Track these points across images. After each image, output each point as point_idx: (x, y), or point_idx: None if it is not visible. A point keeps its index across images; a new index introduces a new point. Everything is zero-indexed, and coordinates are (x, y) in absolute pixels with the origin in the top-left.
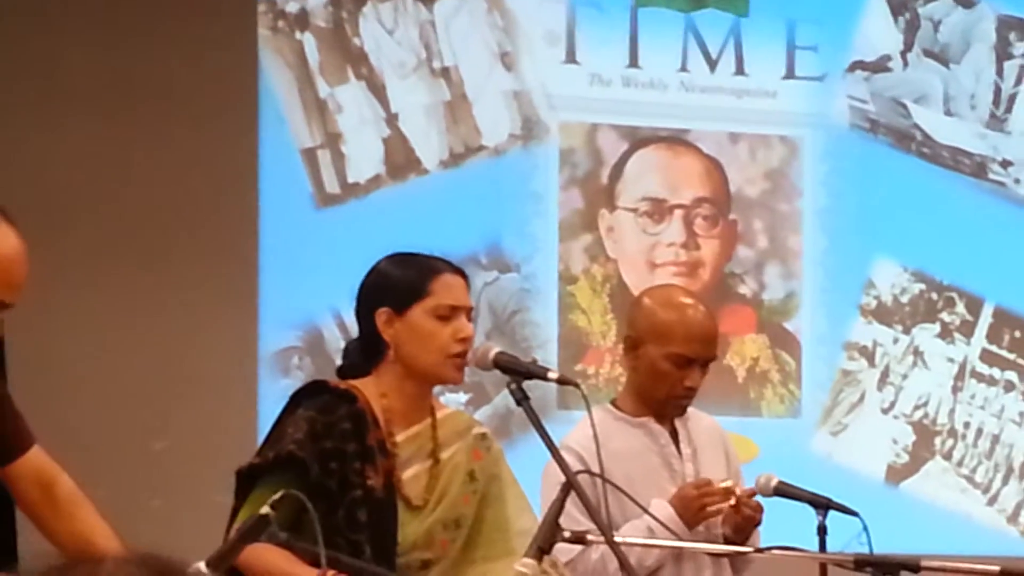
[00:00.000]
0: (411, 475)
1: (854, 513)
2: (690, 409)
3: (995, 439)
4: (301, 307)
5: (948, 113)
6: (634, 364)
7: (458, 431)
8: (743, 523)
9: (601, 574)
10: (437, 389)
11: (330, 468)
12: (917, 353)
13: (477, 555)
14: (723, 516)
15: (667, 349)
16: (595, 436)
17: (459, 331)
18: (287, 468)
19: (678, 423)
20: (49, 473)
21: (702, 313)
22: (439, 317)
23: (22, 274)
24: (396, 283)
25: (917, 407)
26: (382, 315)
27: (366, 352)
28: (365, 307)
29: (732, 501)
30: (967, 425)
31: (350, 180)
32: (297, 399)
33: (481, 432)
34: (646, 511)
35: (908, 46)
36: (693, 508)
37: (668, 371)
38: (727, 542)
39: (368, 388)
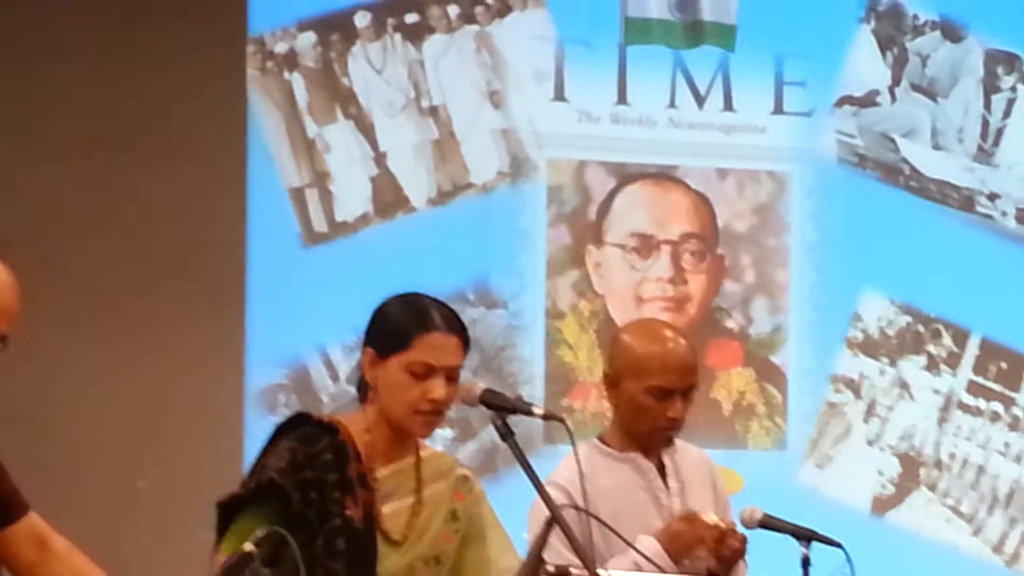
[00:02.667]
0: (391, 510)
1: (837, 544)
2: (679, 442)
3: (980, 470)
4: (288, 345)
5: (936, 147)
6: (616, 401)
7: (441, 471)
8: (728, 556)
9: None
10: None
11: (310, 498)
12: (903, 385)
13: None
14: (708, 550)
15: (645, 383)
16: (580, 472)
17: (429, 391)
18: (268, 497)
19: (666, 457)
20: (44, 531)
21: (677, 344)
22: (413, 373)
23: (15, 304)
24: (386, 328)
25: (903, 439)
26: (367, 355)
27: (363, 383)
28: (363, 341)
29: (718, 533)
30: (952, 456)
31: (338, 219)
32: (280, 431)
33: (463, 474)
34: (631, 546)
35: (896, 81)
36: (681, 542)
37: (649, 405)
38: (711, 575)
39: (353, 423)
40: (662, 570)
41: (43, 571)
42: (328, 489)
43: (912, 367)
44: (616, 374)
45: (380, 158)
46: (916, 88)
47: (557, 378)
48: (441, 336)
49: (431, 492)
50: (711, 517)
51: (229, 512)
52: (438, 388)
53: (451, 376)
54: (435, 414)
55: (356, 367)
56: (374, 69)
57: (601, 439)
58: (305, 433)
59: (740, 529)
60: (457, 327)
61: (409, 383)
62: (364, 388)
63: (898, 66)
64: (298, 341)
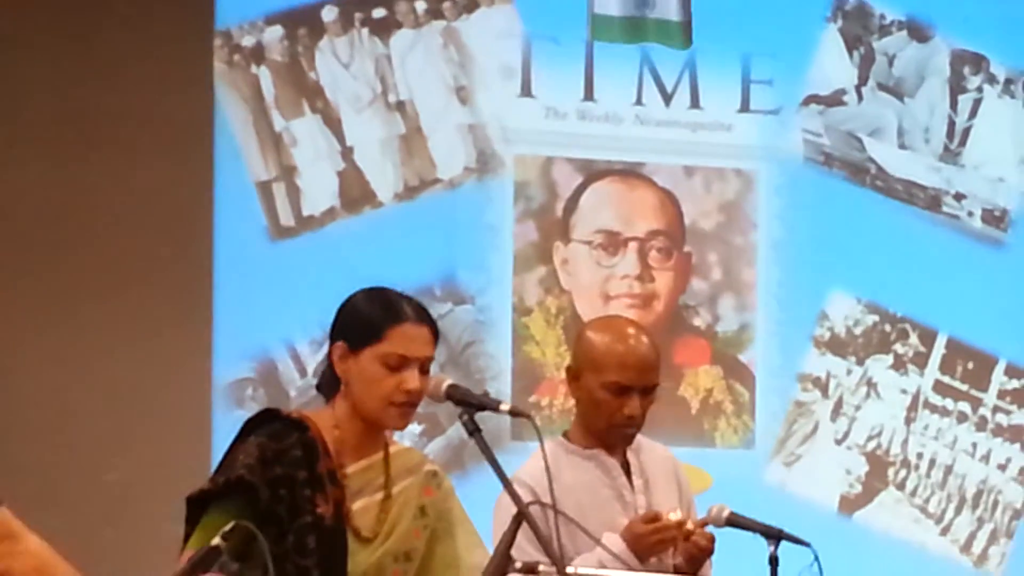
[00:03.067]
0: (360, 507)
1: (805, 544)
2: (644, 439)
3: (948, 469)
4: (255, 339)
5: (902, 146)
6: (577, 395)
7: (409, 467)
8: (696, 553)
9: None
10: None
11: (280, 494)
12: (870, 384)
13: None
14: (675, 547)
15: (603, 378)
16: (547, 469)
17: (404, 382)
18: (237, 493)
19: (630, 454)
20: (15, 526)
21: (638, 341)
22: (387, 365)
23: None
24: (357, 321)
25: (870, 438)
26: (338, 349)
27: (328, 380)
28: (331, 336)
29: (683, 532)
30: (920, 456)
31: (305, 213)
32: (249, 427)
33: (432, 469)
34: (598, 543)
35: (863, 80)
36: (644, 543)
37: (606, 400)
38: (678, 572)
39: (322, 419)
40: (629, 568)
41: (13, 564)
42: (298, 486)
43: (879, 366)
44: (577, 368)
45: (347, 152)
46: (883, 87)
47: (524, 374)
48: (413, 327)
49: (400, 488)
50: (675, 515)
51: (198, 507)
52: (412, 379)
53: (423, 368)
54: (410, 405)
55: (323, 362)
56: (341, 63)
57: (565, 436)
58: (274, 429)
59: (707, 527)
60: (427, 318)
61: (383, 375)
62: (326, 384)
63: (865, 65)
64: (265, 335)
